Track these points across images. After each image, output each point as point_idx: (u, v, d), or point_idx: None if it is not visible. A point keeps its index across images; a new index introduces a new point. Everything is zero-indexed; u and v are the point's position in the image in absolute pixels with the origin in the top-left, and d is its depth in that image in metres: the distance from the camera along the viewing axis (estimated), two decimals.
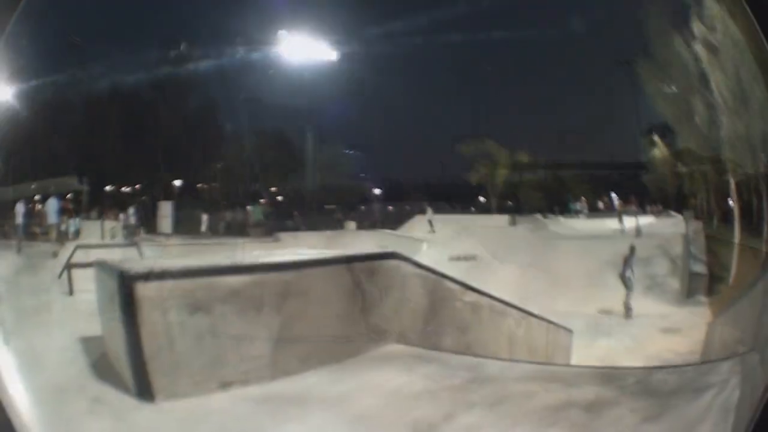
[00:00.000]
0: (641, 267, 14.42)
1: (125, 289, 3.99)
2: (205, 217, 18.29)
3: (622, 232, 18.30)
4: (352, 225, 20.16)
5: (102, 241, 14.50)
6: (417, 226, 18.40)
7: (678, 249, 16.15)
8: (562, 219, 18.53)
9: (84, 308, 6.73)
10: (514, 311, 7.28)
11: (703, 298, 14.12)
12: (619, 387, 3.75)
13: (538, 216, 18.54)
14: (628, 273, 13.41)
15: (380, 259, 5.56)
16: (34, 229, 14.69)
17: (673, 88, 18.21)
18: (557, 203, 20.76)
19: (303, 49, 11.78)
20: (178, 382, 4.03)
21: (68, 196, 15.66)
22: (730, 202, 16.81)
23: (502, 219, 18.63)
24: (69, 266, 8.25)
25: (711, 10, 14.97)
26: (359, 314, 5.13)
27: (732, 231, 15.74)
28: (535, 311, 8.13)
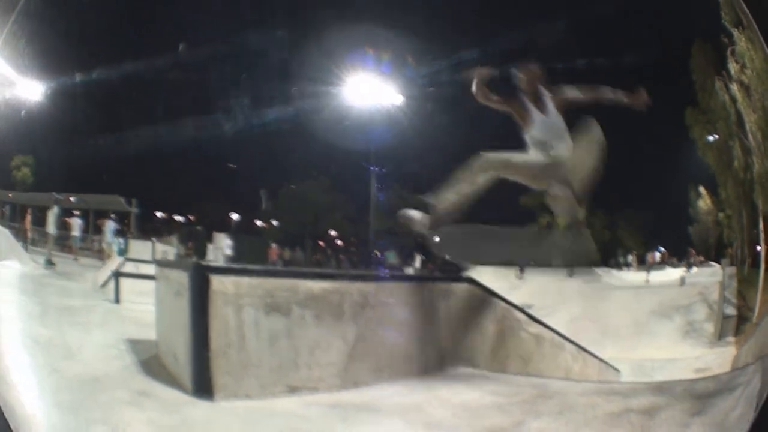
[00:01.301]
0: (683, 314, 14.48)
1: (199, 282, 3.88)
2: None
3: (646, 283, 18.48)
4: (410, 271, 20.16)
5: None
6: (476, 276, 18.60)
7: (715, 295, 16.40)
8: (614, 271, 18.68)
9: (131, 316, 6.66)
10: (571, 346, 7.18)
11: (731, 338, 14.42)
12: (670, 395, 3.98)
13: (594, 268, 18.48)
14: None
15: (456, 282, 5.53)
16: (68, 242, 14.78)
17: (715, 135, 18.16)
18: (611, 256, 20.74)
19: (367, 92, 11.77)
20: (242, 383, 3.94)
21: (112, 216, 15.78)
22: (758, 248, 16.83)
23: (560, 271, 18.55)
24: (117, 275, 8.15)
25: (740, 46, 14.99)
26: (431, 333, 5.06)
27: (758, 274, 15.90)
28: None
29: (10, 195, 14.87)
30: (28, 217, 13.98)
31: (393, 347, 4.67)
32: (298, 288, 4.13)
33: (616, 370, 9.40)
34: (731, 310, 14.98)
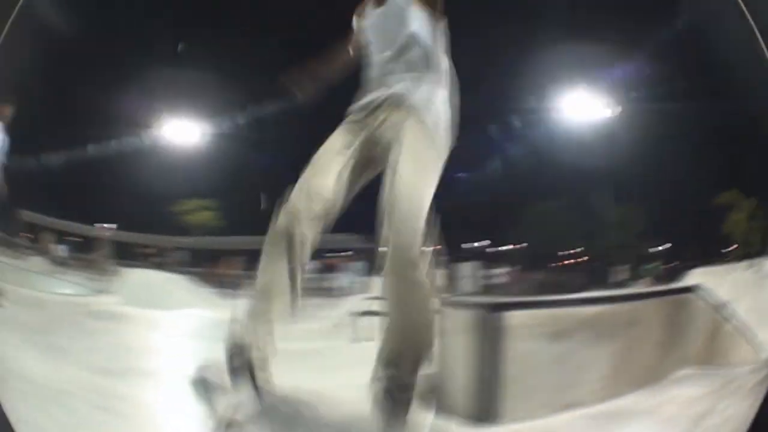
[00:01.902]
0: None
1: (489, 319, 4.85)
2: None
3: None
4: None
5: None
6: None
7: None
8: None
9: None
10: (751, 334, 7.80)
11: None
12: None
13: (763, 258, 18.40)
14: None
15: (688, 293, 6.52)
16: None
17: None
18: None
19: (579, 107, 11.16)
20: (525, 406, 4.83)
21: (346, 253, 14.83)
22: None
23: (743, 265, 18.31)
24: (362, 314, 8.65)
25: None
26: (668, 341, 5.86)
27: None
28: None
29: (174, 239, 13.82)
30: (228, 263, 13.60)
31: (641, 359, 5.65)
32: (574, 314, 5.04)
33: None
34: None
